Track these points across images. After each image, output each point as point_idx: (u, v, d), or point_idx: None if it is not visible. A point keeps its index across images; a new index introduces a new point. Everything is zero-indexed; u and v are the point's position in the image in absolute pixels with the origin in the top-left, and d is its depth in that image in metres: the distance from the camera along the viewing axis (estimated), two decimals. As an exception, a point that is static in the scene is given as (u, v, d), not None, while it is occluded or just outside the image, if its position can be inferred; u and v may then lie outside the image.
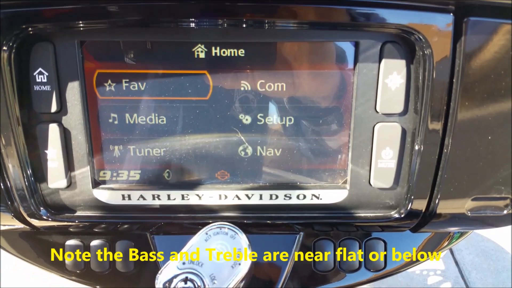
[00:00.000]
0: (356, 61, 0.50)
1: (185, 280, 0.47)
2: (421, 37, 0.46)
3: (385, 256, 0.62)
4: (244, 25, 0.48)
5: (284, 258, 0.60)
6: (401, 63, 0.49)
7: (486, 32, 0.46)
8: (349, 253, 0.61)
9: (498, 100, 0.49)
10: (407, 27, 0.46)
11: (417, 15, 0.46)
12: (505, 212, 0.55)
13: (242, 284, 0.50)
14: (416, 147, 0.51)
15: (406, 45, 0.49)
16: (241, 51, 0.50)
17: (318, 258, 0.61)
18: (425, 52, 0.47)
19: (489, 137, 0.50)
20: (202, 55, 0.50)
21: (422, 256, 0.65)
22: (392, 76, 0.50)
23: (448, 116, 0.49)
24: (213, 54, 0.50)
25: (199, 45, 0.50)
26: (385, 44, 0.49)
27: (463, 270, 2.40)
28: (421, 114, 0.50)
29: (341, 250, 0.61)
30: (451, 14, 0.46)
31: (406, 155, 0.53)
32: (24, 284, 2.09)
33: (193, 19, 0.47)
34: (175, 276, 0.47)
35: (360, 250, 0.62)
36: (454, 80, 0.48)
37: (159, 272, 0.48)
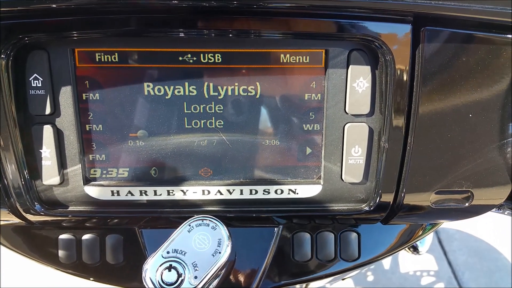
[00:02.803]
0: (326, 67, 0.55)
1: (169, 267, 0.51)
2: (382, 45, 0.51)
3: (359, 246, 0.67)
4: (226, 35, 0.52)
5: (264, 248, 0.65)
6: (366, 69, 0.54)
7: (442, 40, 0.51)
8: (325, 244, 0.66)
9: (454, 101, 0.53)
10: (370, 37, 0.51)
11: (379, 26, 0.51)
12: (466, 204, 0.60)
13: (222, 271, 0.54)
14: (382, 145, 0.56)
15: (370, 52, 0.54)
16: (218, 57, 0.54)
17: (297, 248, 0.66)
18: (387, 58, 0.52)
19: (448, 135, 0.55)
20: (189, 62, 0.55)
21: (394, 247, 0.70)
22: (359, 80, 0.55)
23: (410, 116, 0.54)
24: (197, 60, 0.55)
25: (187, 53, 0.54)
26: (351, 51, 0.54)
27: (456, 271, 2.43)
28: (385, 115, 0.54)
29: (318, 242, 0.66)
30: (410, 24, 0.51)
31: (374, 152, 0.58)
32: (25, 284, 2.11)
33: (181, 30, 0.51)
34: (160, 265, 0.51)
35: (336, 241, 0.66)
36: (414, 84, 0.53)
37: (146, 261, 0.52)
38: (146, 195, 0.59)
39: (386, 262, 2.39)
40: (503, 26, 0.51)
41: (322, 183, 0.60)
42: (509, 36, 0.51)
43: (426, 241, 1.09)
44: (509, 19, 0.49)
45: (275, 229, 0.66)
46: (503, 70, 0.52)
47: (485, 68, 0.52)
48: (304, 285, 0.80)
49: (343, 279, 1.05)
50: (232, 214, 0.61)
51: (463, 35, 0.51)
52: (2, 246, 0.67)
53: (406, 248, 1.05)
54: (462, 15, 0.50)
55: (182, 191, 0.60)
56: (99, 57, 0.54)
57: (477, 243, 2.59)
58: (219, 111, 0.57)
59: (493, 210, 0.64)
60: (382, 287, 2.29)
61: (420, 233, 0.72)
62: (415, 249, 1.08)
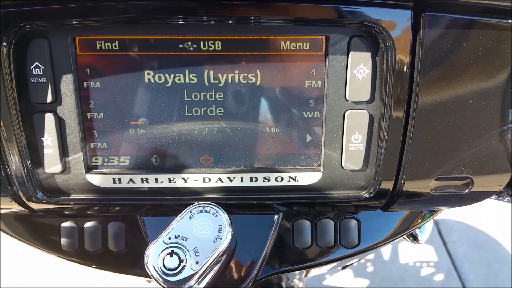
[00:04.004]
0: (326, 54, 0.55)
1: (171, 253, 0.52)
2: (383, 31, 0.51)
3: (359, 234, 0.67)
4: (226, 22, 0.52)
5: (264, 236, 0.65)
6: (367, 55, 0.54)
7: (442, 26, 0.51)
8: (325, 231, 0.66)
9: (455, 87, 0.53)
10: (370, 23, 0.51)
11: (379, 11, 0.50)
12: (466, 191, 0.60)
13: (223, 257, 0.54)
14: (382, 132, 0.56)
15: (371, 38, 0.53)
16: (218, 44, 0.54)
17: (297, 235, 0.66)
18: (387, 44, 0.52)
19: (448, 121, 0.55)
20: (189, 49, 0.54)
21: (394, 235, 0.70)
22: (359, 67, 0.55)
23: (410, 102, 0.54)
24: (197, 48, 0.55)
25: (187, 41, 0.54)
26: (352, 38, 0.54)
27: (455, 262, 2.45)
28: (385, 102, 0.55)
29: (318, 229, 0.66)
30: (410, 10, 0.50)
31: (374, 139, 0.58)
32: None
33: (181, 16, 0.51)
34: (162, 251, 0.52)
35: (335, 228, 0.67)
36: (414, 70, 0.53)
37: (148, 248, 0.52)
38: (147, 182, 0.60)
39: (386, 253, 2.41)
40: (503, 11, 0.51)
41: (322, 170, 0.60)
42: (510, 21, 0.51)
43: (426, 230, 1.10)
44: (508, 3, 0.49)
45: (275, 216, 0.66)
46: (504, 56, 0.52)
47: (486, 54, 0.52)
48: (304, 272, 0.81)
49: (342, 268, 1.06)
50: (233, 202, 0.62)
51: (463, 20, 0.51)
52: (5, 236, 0.67)
53: (406, 237, 1.06)
54: (462, 0, 0.50)
55: (183, 178, 0.60)
56: (100, 45, 0.54)
57: (476, 234, 2.61)
58: (219, 99, 0.57)
59: (492, 197, 0.64)
60: (382, 277, 2.31)
61: (420, 220, 0.73)
62: (414, 238, 1.09)
